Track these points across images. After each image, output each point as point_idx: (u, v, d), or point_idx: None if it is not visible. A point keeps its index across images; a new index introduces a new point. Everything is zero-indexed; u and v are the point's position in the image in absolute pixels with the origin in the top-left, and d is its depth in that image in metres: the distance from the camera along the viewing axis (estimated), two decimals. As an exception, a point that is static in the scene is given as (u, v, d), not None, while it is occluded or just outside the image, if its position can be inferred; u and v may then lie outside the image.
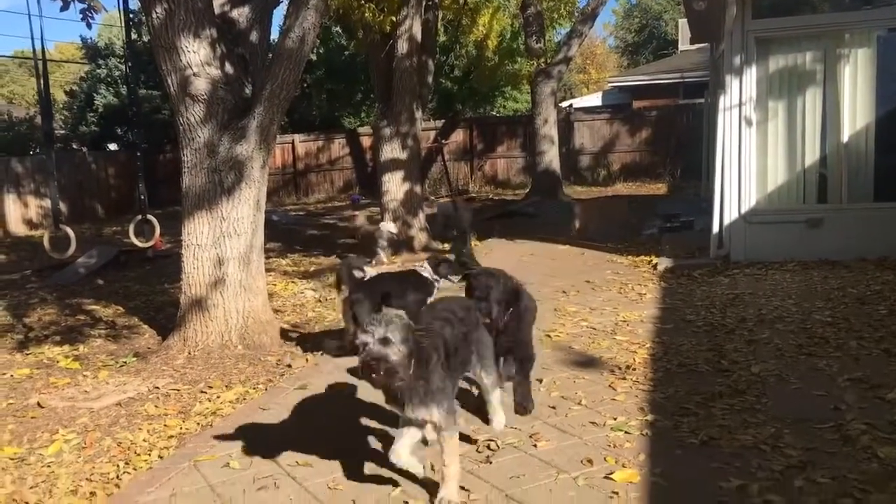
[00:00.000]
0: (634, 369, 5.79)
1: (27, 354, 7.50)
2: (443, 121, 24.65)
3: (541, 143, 18.95)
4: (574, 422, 4.87)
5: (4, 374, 6.87)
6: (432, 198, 19.56)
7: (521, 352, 5.05)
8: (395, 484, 4.09)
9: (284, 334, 7.55)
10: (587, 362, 6.08)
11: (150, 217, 7.46)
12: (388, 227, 11.49)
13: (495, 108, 29.92)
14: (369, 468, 4.37)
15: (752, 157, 9.41)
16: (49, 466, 4.89)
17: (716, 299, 7.75)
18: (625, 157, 23.52)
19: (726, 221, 9.53)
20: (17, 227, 19.36)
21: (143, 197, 8.07)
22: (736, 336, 6.43)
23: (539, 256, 11.29)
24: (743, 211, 9.44)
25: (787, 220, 9.34)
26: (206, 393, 6.13)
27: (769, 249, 9.26)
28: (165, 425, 5.46)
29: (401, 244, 11.93)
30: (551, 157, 18.97)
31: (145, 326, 8.33)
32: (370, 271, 6.92)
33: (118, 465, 4.82)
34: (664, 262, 9.73)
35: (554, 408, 5.10)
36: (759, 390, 5.14)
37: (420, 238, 12.22)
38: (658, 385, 5.41)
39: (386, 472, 4.21)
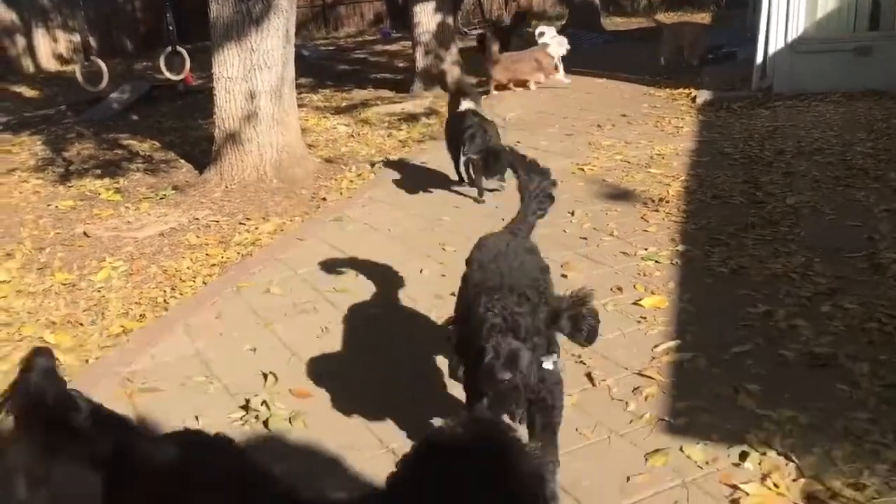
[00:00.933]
0: (667, 201, 5.79)
1: (69, 187, 7.68)
2: (477, -53, 23.46)
3: (579, -30, 18.04)
4: (605, 252, 4.94)
5: (50, 205, 7.08)
6: (465, 30, 18.93)
7: None
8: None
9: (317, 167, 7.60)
10: (620, 195, 6.08)
11: (179, 49, 7.35)
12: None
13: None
14: (403, 294, 4.53)
15: (802, -19, 8.91)
16: (99, 291, 5.12)
17: (755, 132, 7.59)
18: (667, -16, 22.35)
19: (771, 51, 9.16)
20: (47, 62, 19.21)
21: (171, 28, 7.93)
22: (773, 168, 6.35)
23: (574, 90, 11.03)
24: (789, 39, 9.05)
25: (834, 49, 8.95)
26: (244, 224, 6.28)
27: (814, 80, 8.94)
28: (207, 254, 5.64)
29: (434, 78, 11.69)
30: (590, -15, 18.11)
31: (182, 161, 8.42)
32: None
33: (165, 291, 5.03)
34: (703, 95, 9.48)
35: (585, 238, 5.16)
36: (793, 221, 5.14)
37: (452, 73, 11.93)
38: (691, 216, 5.42)
39: (412, 297, 4.37)
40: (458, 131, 6.16)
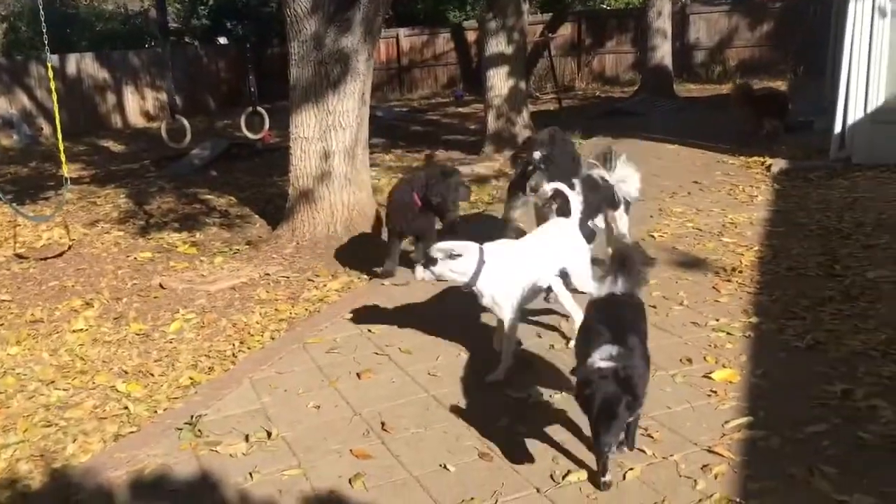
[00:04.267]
0: (740, 271, 5.65)
1: (149, 239, 7.95)
2: (550, 14, 23.79)
3: (653, 37, 18.05)
4: (674, 321, 4.84)
5: (129, 256, 7.33)
6: (537, 94, 19.13)
7: None
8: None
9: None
10: (691, 263, 5.97)
11: (259, 109, 7.62)
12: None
13: (605, 1, 28.64)
14: (464, 359, 4.51)
15: (882, 51, 8.73)
16: (171, 342, 5.25)
17: (832, 203, 7.39)
18: (743, 52, 22.16)
19: (850, 121, 8.96)
20: (135, 118, 20.16)
21: (252, 89, 8.24)
22: (852, 241, 6.15)
23: (645, 156, 10.97)
24: (869, 109, 8.84)
25: (917, 120, 8.70)
26: (313, 281, 6.37)
27: (895, 152, 8.69)
28: (276, 309, 5.74)
29: (505, 141, 11.81)
30: (663, 52, 18.08)
31: (256, 216, 8.65)
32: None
33: (234, 344, 5.13)
34: (779, 164, 9.29)
35: (654, 307, 5.06)
36: (873, 296, 4.94)
37: (523, 135, 12.03)
38: (764, 288, 5.28)
39: (483, 359, 4.33)
40: None
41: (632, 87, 20.28)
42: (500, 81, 11.76)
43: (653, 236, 6.75)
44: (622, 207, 5.69)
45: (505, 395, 3.99)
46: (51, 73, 7.19)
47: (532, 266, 4.22)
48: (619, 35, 23.47)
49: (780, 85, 19.35)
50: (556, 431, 3.55)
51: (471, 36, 23.46)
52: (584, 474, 3.21)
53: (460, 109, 18.43)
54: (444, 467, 3.34)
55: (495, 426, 3.66)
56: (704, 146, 11.07)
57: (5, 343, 5.34)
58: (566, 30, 23.49)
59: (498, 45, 11.71)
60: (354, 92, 7.17)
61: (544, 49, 20.65)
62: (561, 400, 3.86)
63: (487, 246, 4.15)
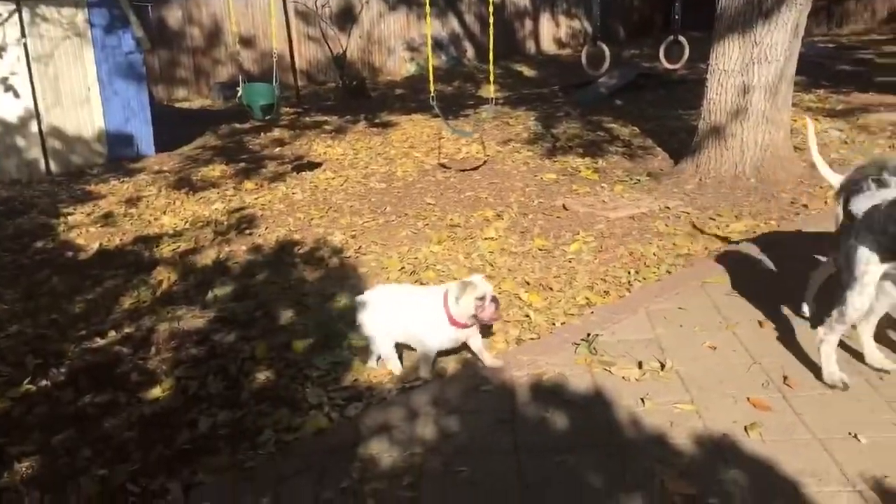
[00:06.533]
0: None
1: (554, 161, 8.29)
2: None
3: None
4: None
5: (536, 175, 7.74)
6: None
7: None
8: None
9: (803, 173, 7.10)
10: None
11: (680, 38, 7.39)
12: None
13: None
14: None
15: None
16: (570, 262, 5.47)
17: None
18: None
19: None
20: (548, 45, 20.96)
21: (676, 17, 7.97)
22: None
23: None
24: None
25: None
26: (714, 220, 6.15)
27: None
28: (674, 244, 5.66)
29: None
30: None
31: (658, 149, 8.54)
32: None
33: (629, 272, 5.18)
34: None
35: None
36: None
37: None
38: None
39: None
40: None
41: None
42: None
43: None
44: None
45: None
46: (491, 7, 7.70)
47: None
48: None
49: None
50: None
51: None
52: None
53: (902, 48, 16.10)
54: (855, 436, 3.05)
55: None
56: None
57: (429, 241, 6.01)
58: None
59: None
60: (787, 22, 6.62)
61: None
62: None
63: None
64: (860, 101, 10.64)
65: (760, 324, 4.16)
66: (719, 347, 3.92)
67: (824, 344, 3.47)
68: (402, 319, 3.94)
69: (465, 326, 3.84)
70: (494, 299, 3.82)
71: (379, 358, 4.05)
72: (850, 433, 3.08)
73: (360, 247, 6.03)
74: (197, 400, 3.83)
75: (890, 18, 21.17)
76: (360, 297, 4.13)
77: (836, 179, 3.90)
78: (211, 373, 4.08)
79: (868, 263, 3.28)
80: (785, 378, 3.56)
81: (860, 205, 3.42)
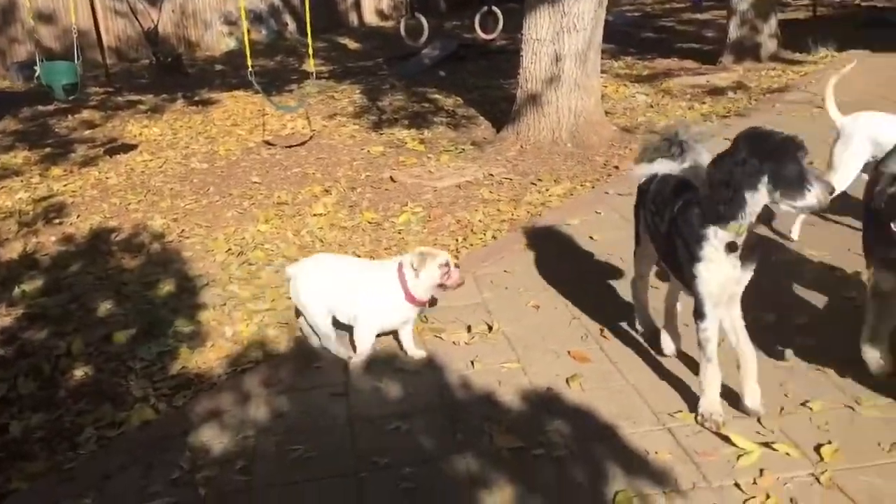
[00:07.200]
0: None
1: (381, 134, 8.31)
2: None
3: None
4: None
5: (363, 149, 7.72)
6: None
7: None
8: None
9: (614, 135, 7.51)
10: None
11: (494, 8, 7.56)
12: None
13: None
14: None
15: None
16: (399, 233, 5.53)
17: None
18: None
19: None
20: (370, 17, 20.85)
21: (488, -12, 8.12)
22: None
23: (910, 73, 9.78)
24: None
25: None
26: (535, 185, 6.40)
27: None
28: (498, 210, 5.84)
29: (746, 51, 11.00)
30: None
31: (481, 118, 8.74)
32: None
33: (457, 240, 5.31)
34: None
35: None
36: None
37: (768, 46, 11.12)
38: None
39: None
40: None
41: None
42: (745, -17, 10.88)
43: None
44: None
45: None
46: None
47: None
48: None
49: None
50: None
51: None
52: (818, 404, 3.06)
53: (698, 16, 17.28)
54: (662, 378, 3.31)
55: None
56: None
57: (256, 220, 5.88)
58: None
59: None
60: (592, -8, 6.94)
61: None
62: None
63: None
64: (663, 66, 11.37)
65: (579, 280, 4.39)
66: (542, 306, 4.11)
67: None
68: (346, 294, 3.62)
69: (422, 304, 3.64)
70: (456, 264, 3.65)
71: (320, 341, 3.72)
72: (658, 375, 3.34)
73: (182, 230, 5.81)
74: (6, 403, 3.59)
75: (688, -12, 22.57)
76: (292, 267, 3.82)
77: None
78: (21, 373, 3.82)
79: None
80: (601, 330, 3.79)
81: None
